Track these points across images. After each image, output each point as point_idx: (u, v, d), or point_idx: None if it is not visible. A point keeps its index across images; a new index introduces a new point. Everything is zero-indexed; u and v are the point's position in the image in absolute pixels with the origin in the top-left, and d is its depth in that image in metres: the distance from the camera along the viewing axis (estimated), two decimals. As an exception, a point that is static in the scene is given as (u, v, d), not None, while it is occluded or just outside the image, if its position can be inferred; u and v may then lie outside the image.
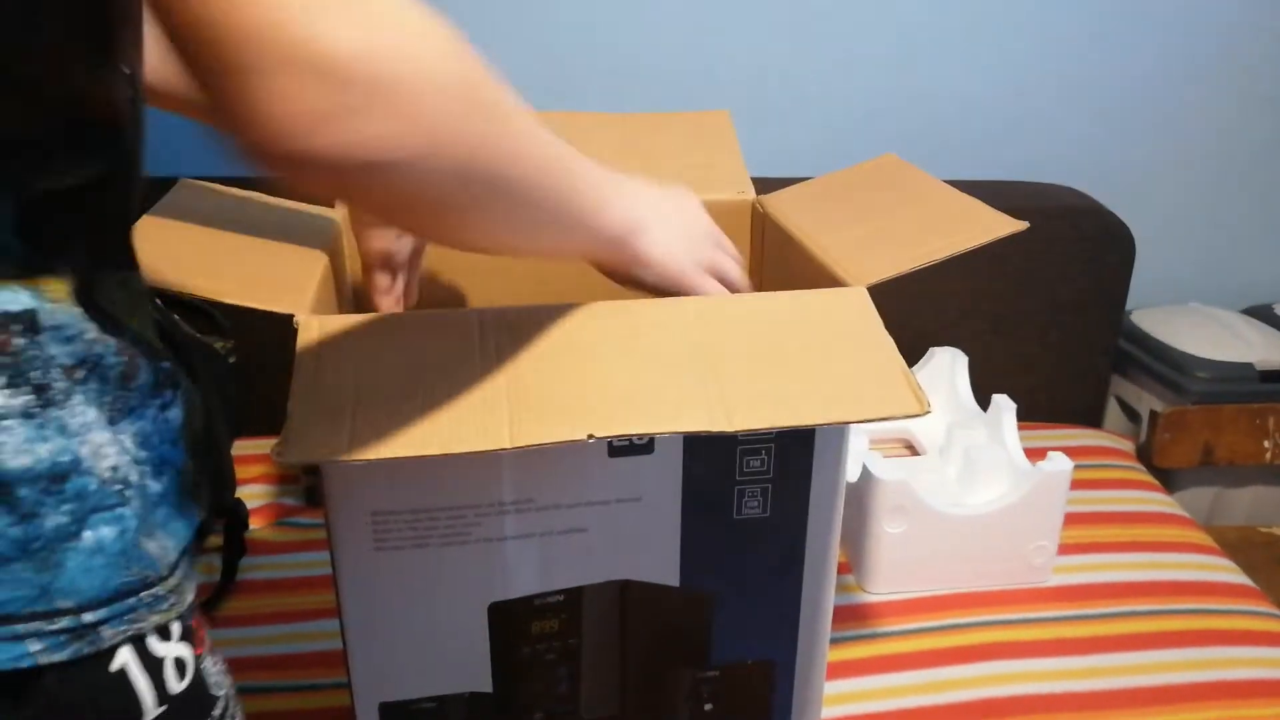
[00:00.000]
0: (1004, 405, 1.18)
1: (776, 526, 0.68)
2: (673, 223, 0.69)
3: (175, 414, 0.49)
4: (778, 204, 0.87)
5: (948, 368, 1.28)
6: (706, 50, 1.41)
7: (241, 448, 1.18)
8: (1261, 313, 1.62)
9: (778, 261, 0.85)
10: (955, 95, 1.48)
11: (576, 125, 0.87)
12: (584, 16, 1.37)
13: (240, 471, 1.37)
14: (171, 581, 0.47)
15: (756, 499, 0.67)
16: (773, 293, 0.67)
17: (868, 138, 1.47)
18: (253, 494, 1.20)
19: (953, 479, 1.17)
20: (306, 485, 1.20)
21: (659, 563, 0.67)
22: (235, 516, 0.90)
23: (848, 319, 0.65)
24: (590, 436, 0.54)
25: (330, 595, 0.65)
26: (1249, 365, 1.47)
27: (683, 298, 0.66)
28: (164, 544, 0.47)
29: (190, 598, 0.49)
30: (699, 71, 1.42)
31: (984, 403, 1.22)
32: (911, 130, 1.49)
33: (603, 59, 1.39)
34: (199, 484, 0.50)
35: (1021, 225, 0.69)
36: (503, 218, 0.53)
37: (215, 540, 1.11)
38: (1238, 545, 1.35)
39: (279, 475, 1.23)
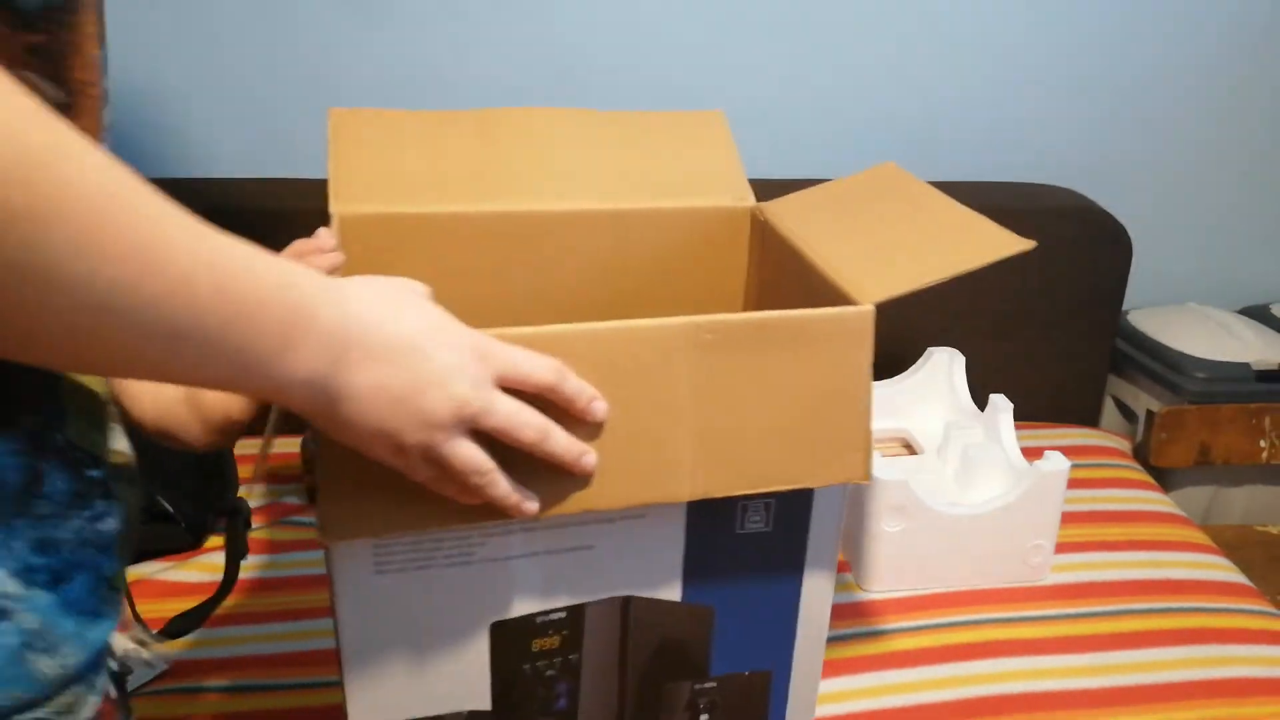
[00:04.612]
0: (1001, 405, 1.18)
1: (778, 540, 0.68)
2: (399, 364, 0.48)
3: (110, 524, 0.45)
4: (778, 212, 0.84)
5: (945, 367, 1.28)
6: (703, 51, 1.41)
7: (243, 446, 1.18)
8: (1258, 313, 1.63)
9: (778, 273, 0.83)
10: (955, 96, 1.48)
11: (551, 121, 0.85)
12: (581, 17, 1.37)
13: (241, 470, 1.36)
14: (63, 699, 0.42)
15: (760, 513, 0.67)
16: (770, 314, 0.63)
17: (867, 138, 1.48)
18: (252, 493, 1.20)
19: (950, 478, 1.17)
20: (308, 484, 1.21)
21: (661, 576, 0.67)
22: (238, 515, 0.90)
23: (841, 357, 0.64)
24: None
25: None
26: (1245, 365, 1.47)
27: (679, 319, 0.61)
28: (64, 659, 0.42)
29: (88, 714, 0.44)
30: (695, 72, 1.42)
31: (981, 402, 1.22)
32: (911, 130, 1.49)
33: (599, 60, 1.39)
34: (120, 586, 0.46)
35: (1028, 244, 0.68)
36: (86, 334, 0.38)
37: (217, 540, 1.12)
38: (1234, 544, 1.35)
39: (279, 475, 1.24)
